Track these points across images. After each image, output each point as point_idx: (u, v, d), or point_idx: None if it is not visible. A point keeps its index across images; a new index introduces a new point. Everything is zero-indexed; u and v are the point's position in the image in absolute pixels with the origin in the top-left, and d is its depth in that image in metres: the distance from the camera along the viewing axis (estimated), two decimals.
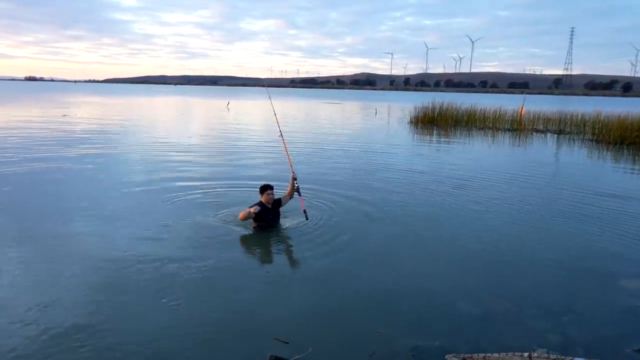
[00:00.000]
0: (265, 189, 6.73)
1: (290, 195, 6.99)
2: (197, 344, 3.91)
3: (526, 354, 3.54)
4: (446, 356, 3.67)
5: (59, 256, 5.72)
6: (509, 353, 3.58)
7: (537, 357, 3.52)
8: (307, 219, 6.83)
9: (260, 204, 6.62)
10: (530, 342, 3.98)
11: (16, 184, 9.41)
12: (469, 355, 3.62)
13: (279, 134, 7.94)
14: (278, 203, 6.90)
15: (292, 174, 6.95)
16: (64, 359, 3.64)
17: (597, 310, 4.76)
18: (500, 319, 4.52)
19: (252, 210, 6.48)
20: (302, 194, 7.04)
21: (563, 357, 3.50)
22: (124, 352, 3.74)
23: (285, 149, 7.53)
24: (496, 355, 3.58)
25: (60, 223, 7.00)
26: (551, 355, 3.53)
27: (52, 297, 4.63)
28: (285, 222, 7.09)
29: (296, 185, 6.88)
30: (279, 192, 7.09)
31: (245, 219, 6.58)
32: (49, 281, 5.02)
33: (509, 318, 4.55)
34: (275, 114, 9.11)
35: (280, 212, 7.04)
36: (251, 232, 6.71)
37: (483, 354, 3.60)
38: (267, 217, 6.67)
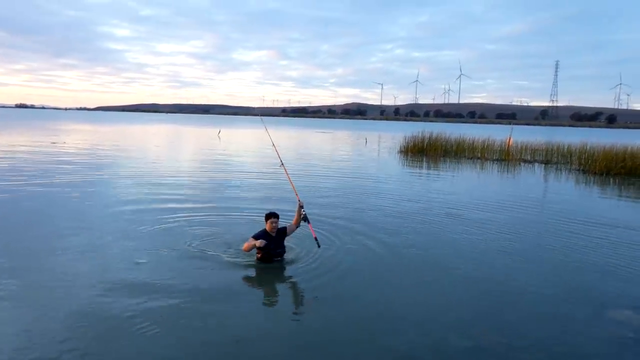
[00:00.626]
0: (269, 217, 6.53)
1: (297, 224, 6.82)
2: None
3: None
4: None
5: (43, 284, 5.62)
6: None
7: None
8: (318, 246, 6.70)
9: (263, 232, 6.50)
10: None
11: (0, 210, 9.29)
12: None
13: (280, 163, 7.81)
14: (283, 232, 6.71)
15: (298, 202, 6.76)
16: None
17: (587, 342, 4.77)
18: (492, 353, 4.49)
19: (257, 243, 6.32)
20: (310, 221, 6.83)
21: None
22: None
23: (288, 177, 7.50)
24: None
25: (44, 251, 6.89)
26: None
27: (34, 323, 4.52)
28: (295, 250, 7.13)
29: (303, 213, 6.70)
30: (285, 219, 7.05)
31: (249, 250, 6.45)
32: (32, 308, 4.91)
33: (500, 352, 4.52)
34: (273, 145, 8.99)
35: (287, 241, 6.90)
36: (251, 262, 6.62)
37: None
38: (268, 245, 6.45)
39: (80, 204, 10.62)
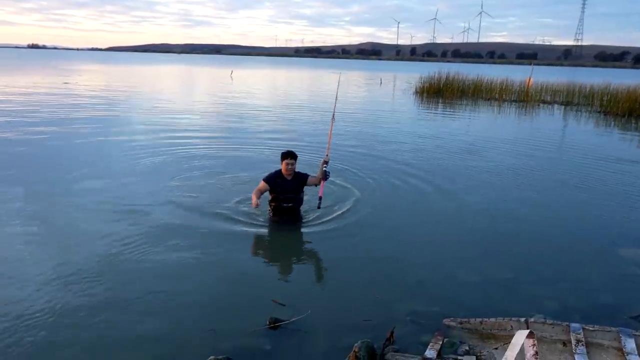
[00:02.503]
0: (284, 157, 5.66)
1: (319, 179, 5.78)
2: (200, 310, 3.96)
3: (523, 320, 3.56)
4: (444, 320, 3.69)
5: (63, 222, 5.76)
6: (505, 318, 3.60)
7: (534, 322, 3.53)
8: (318, 207, 5.71)
9: (276, 174, 5.74)
10: (527, 309, 4.00)
11: (17, 148, 9.41)
12: (466, 319, 3.64)
13: (332, 115, 6.62)
14: (302, 179, 5.83)
15: (325, 156, 5.82)
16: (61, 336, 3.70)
17: (595, 278, 4.78)
18: (499, 287, 4.54)
19: (259, 187, 5.64)
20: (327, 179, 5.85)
21: (560, 323, 3.52)
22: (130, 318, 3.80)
23: (330, 131, 6.29)
24: (493, 320, 3.60)
25: (61, 191, 7.01)
26: (548, 321, 3.55)
27: (55, 265, 4.67)
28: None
29: (325, 169, 5.73)
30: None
31: (257, 198, 5.45)
32: (55, 247, 5.06)
33: (507, 286, 4.57)
34: (336, 97, 6.97)
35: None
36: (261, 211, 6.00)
37: (480, 319, 3.62)
38: (292, 188, 5.72)
39: (94, 143, 10.68)
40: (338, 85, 7.61)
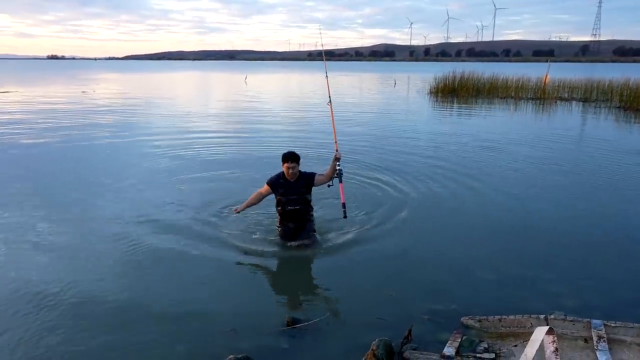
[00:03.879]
0: (284, 160, 5.17)
1: (330, 178, 5.29)
2: (221, 311, 4.02)
3: (542, 317, 3.53)
4: (462, 318, 3.68)
5: (80, 227, 5.88)
6: (524, 315, 3.57)
7: (554, 319, 3.50)
8: (345, 217, 5.14)
9: (277, 176, 5.29)
10: (547, 306, 3.95)
11: (33, 153, 9.65)
12: (485, 317, 3.62)
13: (329, 101, 6.18)
14: (308, 180, 5.30)
15: (335, 152, 5.28)
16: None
17: (616, 275, 4.70)
18: (517, 284, 4.49)
19: (261, 190, 5.33)
20: (343, 180, 5.27)
21: (580, 319, 3.47)
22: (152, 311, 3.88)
23: (332, 118, 5.96)
24: (512, 317, 3.57)
25: (78, 192, 7.16)
26: (568, 318, 3.51)
27: (68, 267, 4.78)
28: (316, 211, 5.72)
29: (338, 168, 5.19)
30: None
31: (245, 206, 5.32)
32: (71, 250, 5.18)
33: (525, 283, 4.52)
34: (328, 86, 6.70)
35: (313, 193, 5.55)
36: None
37: (499, 317, 3.60)
38: (296, 190, 5.23)
39: (112, 149, 10.88)
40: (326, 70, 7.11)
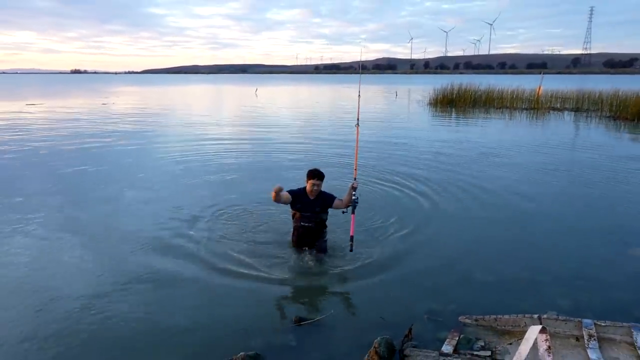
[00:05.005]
0: (311, 176, 5.01)
1: (346, 206, 5.05)
2: (231, 311, 4.04)
3: (536, 316, 3.51)
4: (460, 318, 3.66)
5: (103, 236, 5.94)
6: (519, 315, 3.55)
7: (547, 318, 3.48)
8: (351, 250, 4.82)
9: (299, 191, 5.14)
10: (541, 306, 3.93)
11: (54, 159, 9.76)
12: (482, 317, 3.61)
13: (356, 123, 5.83)
14: (327, 201, 5.12)
15: (353, 181, 5.00)
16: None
17: (608, 277, 4.67)
18: (513, 285, 4.48)
19: (283, 192, 4.96)
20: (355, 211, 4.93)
21: (572, 319, 3.46)
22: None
23: (357, 146, 5.54)
24: (507, 317, 3.55)
25: (98, 203, 7.23)
26: (560, 317, 3.49)
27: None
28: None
29: (354, 197, 4.89)
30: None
31: (276, 197, 4.88)
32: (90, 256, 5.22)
33: (521, 284, 4.50)
34: (359, 100, 6.86)
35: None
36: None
37: (495, 316, 3.59)
38: (312, 208, 5.07)
39: (131, 158, 10.96)
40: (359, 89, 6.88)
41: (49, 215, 6.42)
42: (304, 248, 5.16)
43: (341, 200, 5.09)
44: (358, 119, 5.84)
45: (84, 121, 18.64)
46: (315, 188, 5.00)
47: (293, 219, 5.23)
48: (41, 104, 29.45)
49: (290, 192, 5.09)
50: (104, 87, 62.65)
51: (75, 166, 9.77)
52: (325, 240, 5.20)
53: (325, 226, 5.24)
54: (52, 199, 7.20)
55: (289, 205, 5.14)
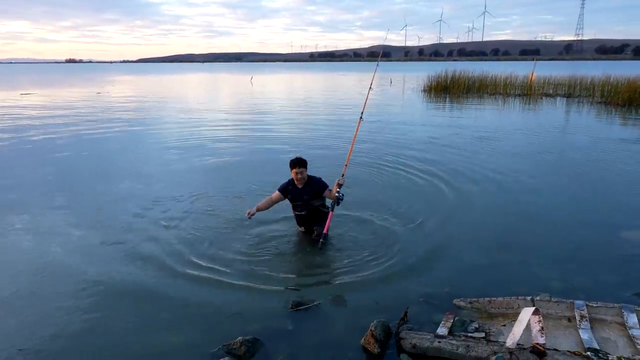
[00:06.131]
0: (293, 165, 5.01)
1: (332, 200, 5.00)
2: (229, 297, 4.03)
3: (529, 298, 3.53)
4: (454, 301, 3.68)
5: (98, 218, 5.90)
6: (512, 297, 3.57)
7: (540, 300, 3.50)
8: (320, 248, 4.70)
9: (287, 183, 5.14)
10: (534, 289, 3.94)
11: (49, 147, 9.67)
12: (476, 299, 3.62)
13: (360, 116, 5.77)
14: (319, 188, 5.08)
15: (340, 178, 5.02)
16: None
17: (600, 259, 4.69)
18: (507, 269, 4.49)
19: (272, 197, 5.12)
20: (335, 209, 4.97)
21: (564, 300, 3.47)
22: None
23: (353, 141, 5.49)
24: (501, 299, 3.57)
25: (93, 192, 7.18)
26: (553, 299, 3.51)
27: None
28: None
29: (338, 194, 4.91)
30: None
31: (257, 209, 4.97)
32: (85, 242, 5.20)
33: (514, 267, 4.52)
34: (370, 89, 6.55)
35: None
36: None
37: (489, 299, 3.60)
38: (300, 197, 5.07)
39: (125, 146, 10.87)
40: (372, 83, 6.70)
41: (38, 203, 6.36)
42: (302, 228, 5.26)
43: (331, 191, 5.04)
44: (363, 112, 5.77)
45: (78, 110, 18.44)
46: (300, 176, 4.99)
47: (291, 201, 5.24)
48: (36, 93, 29.10)
49: (280, 188, 5.13)
50: (99, 77, 61.93)
51: (67, 155, 9.69)
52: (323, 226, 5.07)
53: (322, 211, 5.15)
54: (43, 186, 7.13)
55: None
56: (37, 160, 9.19)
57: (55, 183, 7.50)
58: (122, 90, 33.50)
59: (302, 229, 5.30)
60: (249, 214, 4.88)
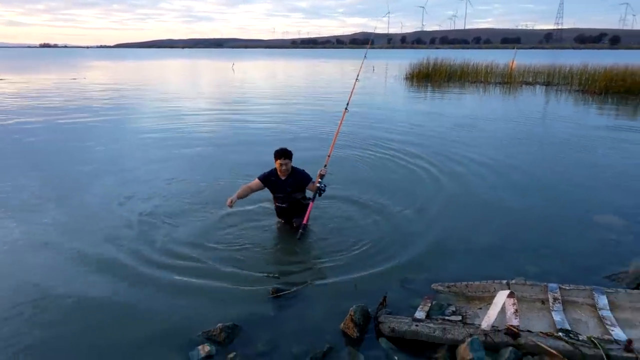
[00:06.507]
0: (277, 156, 4.83)
1: (314, 192, 4.93)
2: (209, 283, 4.01)
3: (505, 282, 3.61)
4: (432, 285, 3.74)
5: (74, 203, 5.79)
6: (489, 281, 3.64)
7: (515, 284, 3.58)
8: (299, 238, 4.63)
9: (269, 173, 4.98)
10: (510, 273, 4.02)
11: (26, 137, 9.41)
12: (453, 284, 3.69)
13: (345, 107, 5.68)
14: (302, 181, 4.97)
15: (322, 168, 4.98)
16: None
17: (573, 244, 4.82)
18: (483, 254, 4.58)
19: (250, 184, 4.99)
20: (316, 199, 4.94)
21: (538, 284, 3.57)
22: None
23: (337, 132, 5.41)
24: (477, 283, 3.64)
25: (74, 177, 7.03)
26: (527, 282, 3.60)
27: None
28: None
29: (320, 184, 4.89)
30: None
31: (237, 197, 4.84)
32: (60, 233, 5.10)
33: (491, 253, 4.61)
34: (357, 79, 6.46)
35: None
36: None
37: (465, 283, 3.67)
38: (283, 189, 4.95)
39: (101, 134, 10.64)
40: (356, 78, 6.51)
41: (11, 191, 6.21)
42: (281, 220, 5.19)
43: (314, 183, 4.95)
44: (348, 103, 5.72)
45: (53, 96, 17.93)
46: (284, 168, 4.83)
47: (273, 192, 5.12)
48: (7, 79, 28.17)
49: (261, 176, 4.97)
50: (74, 62, 60.24)
51: (40, 141, 9.44)
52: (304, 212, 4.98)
53: (303, 204, 5.05)
54: (14, 171, 6.95)
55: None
56: (4, 147, 8.92)
57: (21, 169, 7.30)
58: (98, 76, 32.68)
59: (282, 220, 5.21)
60: (230, 202, 4.78)
